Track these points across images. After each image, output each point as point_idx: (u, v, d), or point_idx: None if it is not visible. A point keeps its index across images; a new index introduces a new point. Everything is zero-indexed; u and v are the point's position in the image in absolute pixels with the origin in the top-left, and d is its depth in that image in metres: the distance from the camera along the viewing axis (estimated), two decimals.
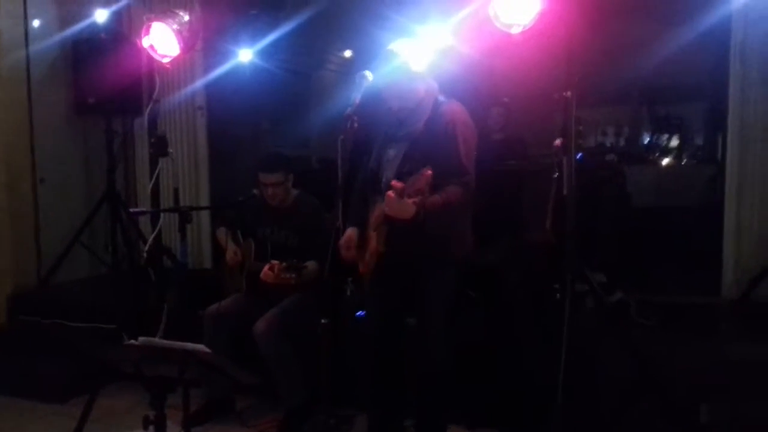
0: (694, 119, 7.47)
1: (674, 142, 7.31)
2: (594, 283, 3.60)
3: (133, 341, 2.66)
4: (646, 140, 7.84)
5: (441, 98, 3.17)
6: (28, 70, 5.32)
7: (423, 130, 3.06)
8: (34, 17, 5.40)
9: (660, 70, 6.58)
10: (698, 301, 4.32)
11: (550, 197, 3.92)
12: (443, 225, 2.97)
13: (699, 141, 7.42)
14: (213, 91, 5.77)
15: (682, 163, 6.77)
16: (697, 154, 7.01)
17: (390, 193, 2.76)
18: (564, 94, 3.49)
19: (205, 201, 5.75)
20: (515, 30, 3.64)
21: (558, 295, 3.43)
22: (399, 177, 2.90)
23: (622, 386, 3.46)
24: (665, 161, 6.76)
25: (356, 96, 3.04)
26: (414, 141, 3.06)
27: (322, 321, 2.77)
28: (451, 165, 2.97)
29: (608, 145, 7.72)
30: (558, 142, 3.51)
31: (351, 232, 3.17)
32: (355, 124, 2.97)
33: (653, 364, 3.43)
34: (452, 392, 3.17)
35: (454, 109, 3.13)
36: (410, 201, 2.71)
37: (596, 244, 4.12)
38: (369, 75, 3.11)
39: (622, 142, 8.02)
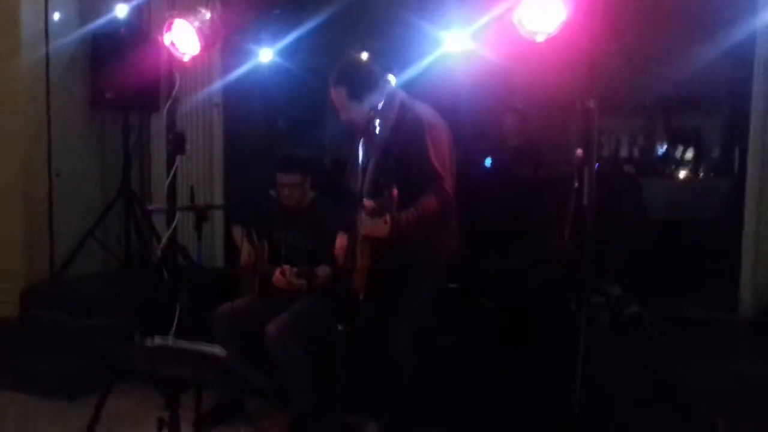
0: (711, 132, 7.40)
1: (689, 154, 7.24)
2: (611, 295, 3.57)
3: (148, 342, 2.65)
4: (661, 151, 7.78)
5: (408, 102, 3.14)
6: (47, 64, 5.33)
7: (392, 137, 3.05)
8: (55, 11, 5.41)
9: (677, 81, 6.54)
10: (714, 316, 4.28)
11: (568, 206, 3.90)
12: (424, 234, 2.99)
13: (715, 154, 7.34)
14: (230, 89, 5.76)
15: (699, 176, 6.70)
16: (713, 167, 6.93)
17: (362, 214, 2.80)
18: (586, 103, 3.45)
19: (219, 199, 5.74)
20: (539, 38, 3.61)
21: (573, 306, 3.40)
22: (374, 188, 2.91)
23: (637, 399, 3.43)
24: (682, 173, 6.69)
25: (378, 99, 3.02)
26: (385, 150, 3.05)
27: (339, 327, 2.75)
28: (423, 171, 2.97)
29: (624, 155, 7.65)
30: (580, 151, 3.48)
31: (342, 237, 3.18)
32: (377, 128, 2.95)
33: (668, 378, 3.40)
34: (421, 397, 3.19)
35: (420, 113, 3.10)
36: (382, 220, 2.73)
37: (613, 256, 4.09)
38: (392, 78, 3.09)
39: (636, 153, 7.95)
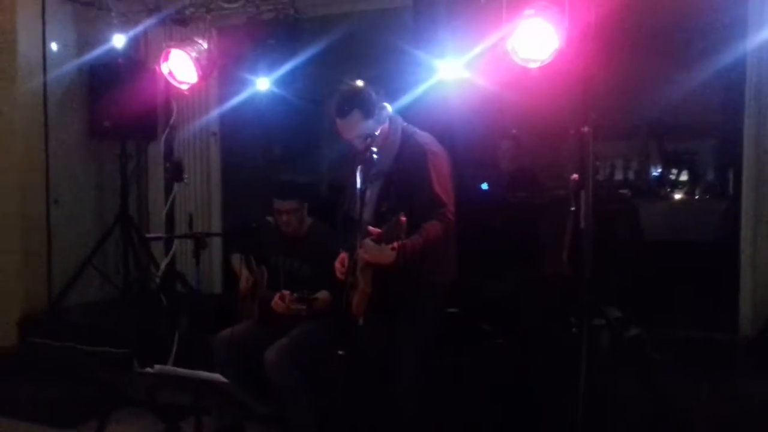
0: (705, 154, 7.49)
1: (684, 176, 7.33)
2: (610, 318, 3.58)
3: (148, 369, 2.64)
4: (656, 174, 7.87)
5: (409, 130, 3.16)
6: (45, 93, 5.38)
7: (394, 166, 3.07)
8: (53, 41, 5.47)
9: (671, 105, 6.62)
10: (714, 337, 4.29)
11: (565, 230, 3.92)
12: (426, 260, 2.98)
13: (710, 176, 7.43)
14: (227, 117, 5.83)
15: (695, 198, 6.77)
16: (708, 189, 7.01)
17: (367, 241, 2.79)
18: (581, 129, 3.50)
19: (217, 227, 5.77)
20: (533, 65, 3.67)
21: (574, 329, 3.40)
22: (377, 217, 2.93)
23: (639, 421, 3.43)
24: (677, 196, 6.76)
25: (375, 128, 3.05)
26: (387, 178, 3.06)
27: (339, 353, 2.75)
28: (426, 199, 2.98)
29: (619, 179, 7.73)
30: (575, 176, 3.52)
31: (344, 254, 3.16)
32: (375, 156, 2.98)
33: (669, 400, 3.40)
34: (423, 422, 3.16)
35: (422, 141, 3.12)
36: (389, 247, 2.73)
37: (611, 279, 4.10)
38: (389, 107, 3.12)
39: (631, 176, 8.03)
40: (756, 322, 4.11)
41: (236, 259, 4.09)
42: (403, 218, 2.66)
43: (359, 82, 3.14)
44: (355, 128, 3.04)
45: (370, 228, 2.83)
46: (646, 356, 3.81)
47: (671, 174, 7.24)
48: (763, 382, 3.59)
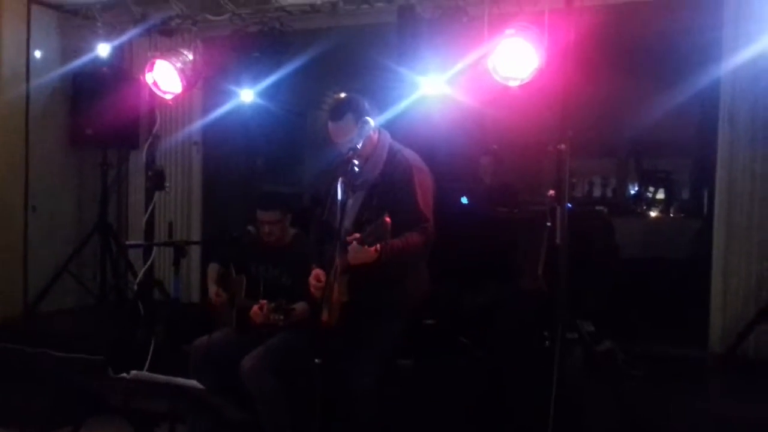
0: (680, 174, 7.63)
1: (660, 195, 7.45)
2: (584, 332, 3.63)
3: (123, 374, 2.64)
4: (633, 192, 7.99)
5: (395, 146, 3.23)
6: (27, 100, 5.37)
7: (379, 178, 3.12)
8: (37, 49, 5.47)
9: (649, 125, 6.74)
10: (685, 353, 4.36)
11: (541, 245, 3.98)
12: (401, 270, 3.04)
13: (685, 195, 7.55)
14: (210, 128, 5.85)
15: (670, 216, 6.88)
16: (683, 208, 7.13)
17: (353, 244, 2.83)
18: (558, 146, 3.57)
19: (196, 235, 5.77)
20: (513, 83, 3.75)
21: (547, 342, 3.45)
22: (357, 226, 2.96)
23: None
24: (653, 214, 6.88)
25: (358, 141, 3.10)
26: (371, 189, 3.12)
27: (316, 361, 2.77)
28: (409, 212, 3.04)
29: (597, 195, 7.84)
30: (552, 192, 3.58)
31: (318, 270, 3.20)
32: (356, 168, 3.02)
33: (640, 415, 3.45)
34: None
35: (409, 156, 3.19)
36: (372, 249, 2.78)
37: (585, 294, 4.16)
38: (371, 121, 3.17)
39: (609, 193, 8.15)
40: (725, 339, 4.18)
41: (213, 270, 4.11)
42: (388, 219, 2.71)
43: (344, 95, 3.20)
44: (346, 132, 3.10)
45: (349, 238, 2.87)
46: (617, 371, 3.87)
47: (648, 192, 7.36)
48: (730, 401, 3.67)
